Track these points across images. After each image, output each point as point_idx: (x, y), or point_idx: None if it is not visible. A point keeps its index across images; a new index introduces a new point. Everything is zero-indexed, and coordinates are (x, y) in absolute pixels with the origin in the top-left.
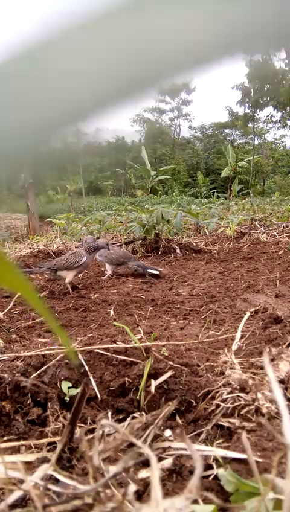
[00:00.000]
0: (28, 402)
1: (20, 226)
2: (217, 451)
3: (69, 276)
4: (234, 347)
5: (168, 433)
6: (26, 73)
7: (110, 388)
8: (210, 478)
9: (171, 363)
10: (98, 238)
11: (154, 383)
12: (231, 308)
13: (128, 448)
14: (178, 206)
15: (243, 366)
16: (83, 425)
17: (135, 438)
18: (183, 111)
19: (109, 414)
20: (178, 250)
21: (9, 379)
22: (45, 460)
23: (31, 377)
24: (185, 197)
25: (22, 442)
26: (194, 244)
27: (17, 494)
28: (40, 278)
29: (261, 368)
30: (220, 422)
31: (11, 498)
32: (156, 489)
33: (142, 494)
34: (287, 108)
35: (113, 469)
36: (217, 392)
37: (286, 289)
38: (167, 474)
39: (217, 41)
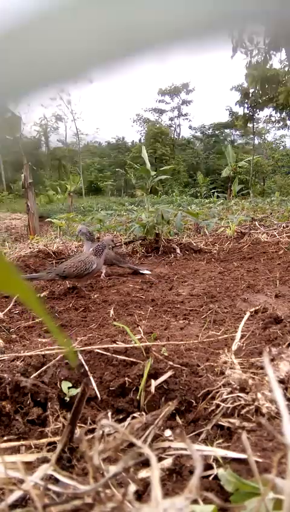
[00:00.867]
0: (28, 402)
1: (20, 226)
2: (217, 451)
3: (80, 282)
4: (234, 347)
5: (168, 433)
6: None
7: (110, 388)
8: (210, 478)
9: (171, 363)
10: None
11: (154, 383)
12: (231, 308)
13: (128, 448)
14: (178, 206)
15: (243, 366)
16: (83, 425)
17: (135, 438)
18: (183, 111)
19: (109, 414)
20: (178, 250)
21: (9, 379)
22: (45, 460)
23: (31, 377)
24: (185, 197)
25: (22, 442)
26: (194, 244)
27: (17, 494)
28: None
29: (261, 367)
30: (220, 422)
31: (11, 498)
32: (156, 489)
33: (142, 494)
34: (288, 108)
35: (113, 469)
36: (217, 392)
37: (286, 289)
38: (167, 474)
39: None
